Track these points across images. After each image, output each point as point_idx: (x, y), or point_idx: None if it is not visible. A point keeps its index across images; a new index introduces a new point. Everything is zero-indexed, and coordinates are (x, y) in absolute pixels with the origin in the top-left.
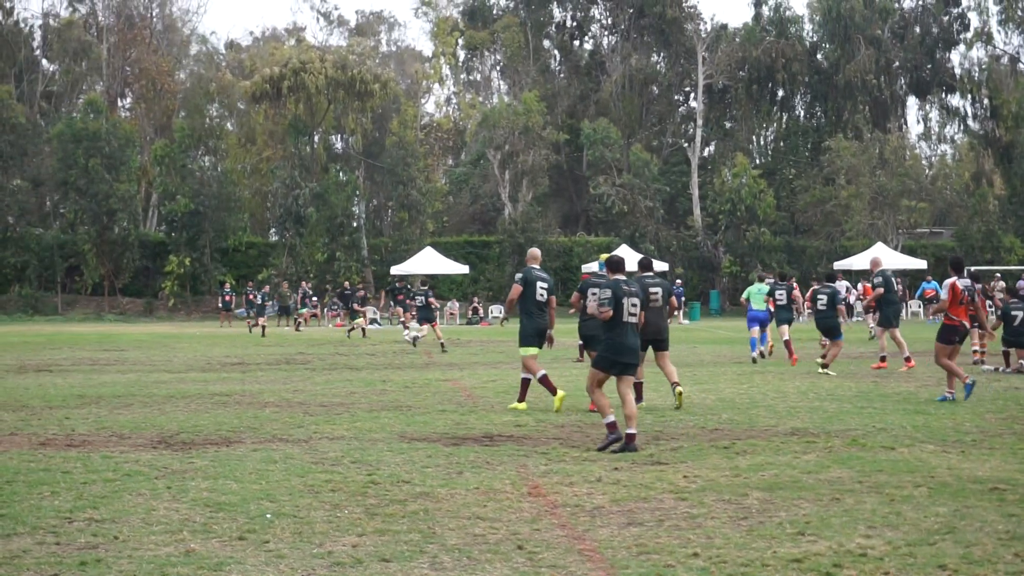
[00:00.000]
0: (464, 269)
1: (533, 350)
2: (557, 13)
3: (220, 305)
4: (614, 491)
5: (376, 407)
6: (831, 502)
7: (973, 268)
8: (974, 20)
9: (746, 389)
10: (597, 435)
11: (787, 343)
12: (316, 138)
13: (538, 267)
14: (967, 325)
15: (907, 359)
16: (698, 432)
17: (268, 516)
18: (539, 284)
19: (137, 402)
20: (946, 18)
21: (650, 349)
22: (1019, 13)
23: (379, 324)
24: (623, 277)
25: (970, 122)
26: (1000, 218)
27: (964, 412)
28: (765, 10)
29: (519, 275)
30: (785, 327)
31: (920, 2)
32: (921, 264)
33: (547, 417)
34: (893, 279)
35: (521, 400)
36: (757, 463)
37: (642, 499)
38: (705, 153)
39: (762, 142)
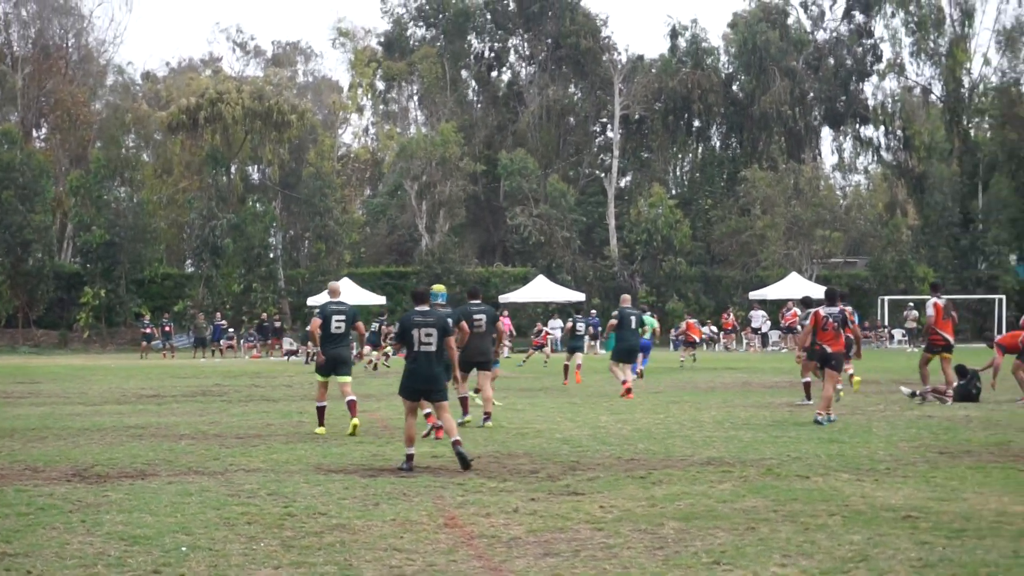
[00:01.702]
0: (381, 300)
1: (322, 377)
2: (475, 44)
3: (142, 337)
4: (530, 522)
5: (293, 439)
6: (746, 531)
7: (887, 297)
8: (887, 51)
9: (662, 419)
10: (514, 466)
11: (566, 368)
12: (233, 169)
13: (336, 300)
14: (828, 350)
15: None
16: (614, 462)
17: (183, 549)
18: (334, 317)
19: (51, 435)
20: (859, 50)
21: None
22: (931, 45)
23: (296, 356)
24: (425, 308)
25: (883, 153)
26: (913, 248)
27: (877, 441)
28: (681, 41)
29: (317, 310)
30: (579, 354)
31: (834, 34)
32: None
33: (464, 448)
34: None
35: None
36: (673, 493)
37: (558, 529)
38: (622, 183)
39: (678, 172)
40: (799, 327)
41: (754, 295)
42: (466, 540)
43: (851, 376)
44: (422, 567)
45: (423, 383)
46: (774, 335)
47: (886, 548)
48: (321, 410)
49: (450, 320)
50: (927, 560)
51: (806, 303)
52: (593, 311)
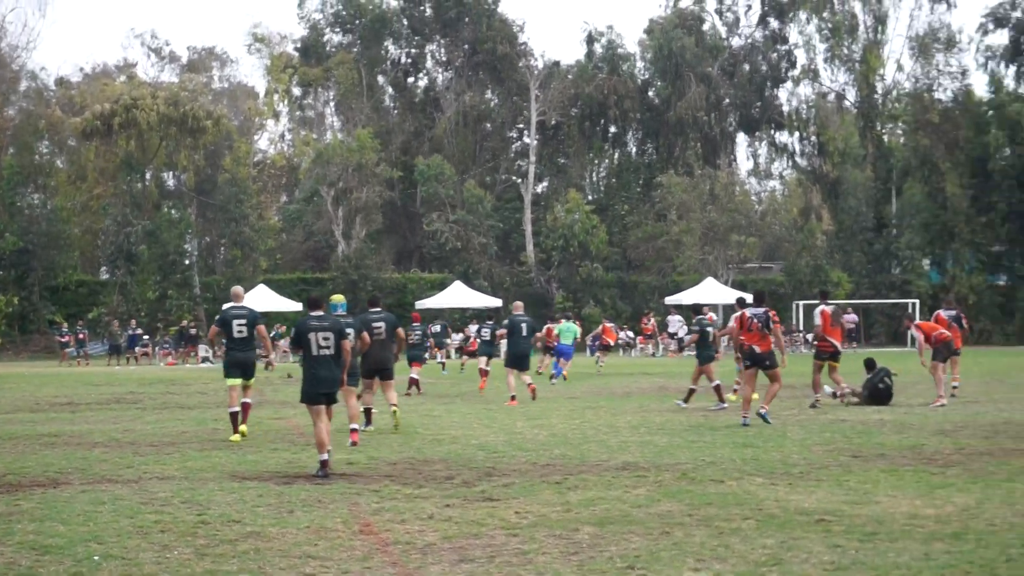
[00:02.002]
0: (297, 307)
1: (232, 381)
2: (392, 50)
3: (59, 345)
4: (446, 528)
5: (207, 446)
6: (661, 536)
7: (802, 302)
8: (801, 58)
9: (578, 424)
10: (430, 472)
11: (482, 371)
12: (148, 175)
13: (238, 305)
14: (756, 350)
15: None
16: (530, 468)
17: (96, 558)
18: (235, 322)
19: None
20: (774, 56)
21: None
22: (844, 51)
23: (212, 362)
24: (320, 313)
25: (798, 158)
26: (827, 253)
27: (792, 444)
28: (597, 47)
29: (218, 316)
30: (484, 359)
31: (749, 40)
32: (750, 299)
33: (379, 455)
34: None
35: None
36: (588, 498)
37: (473, 536)
38: (538, 189)
39: (595, 178)
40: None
41: (670, 300)
42: (381, 547)
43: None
44: (336, 574)
45: (324, 386)
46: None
47: (799, 551)
48: (234, 416)
49: (350, 327)
50: (839, 563)
51: (741, 303)
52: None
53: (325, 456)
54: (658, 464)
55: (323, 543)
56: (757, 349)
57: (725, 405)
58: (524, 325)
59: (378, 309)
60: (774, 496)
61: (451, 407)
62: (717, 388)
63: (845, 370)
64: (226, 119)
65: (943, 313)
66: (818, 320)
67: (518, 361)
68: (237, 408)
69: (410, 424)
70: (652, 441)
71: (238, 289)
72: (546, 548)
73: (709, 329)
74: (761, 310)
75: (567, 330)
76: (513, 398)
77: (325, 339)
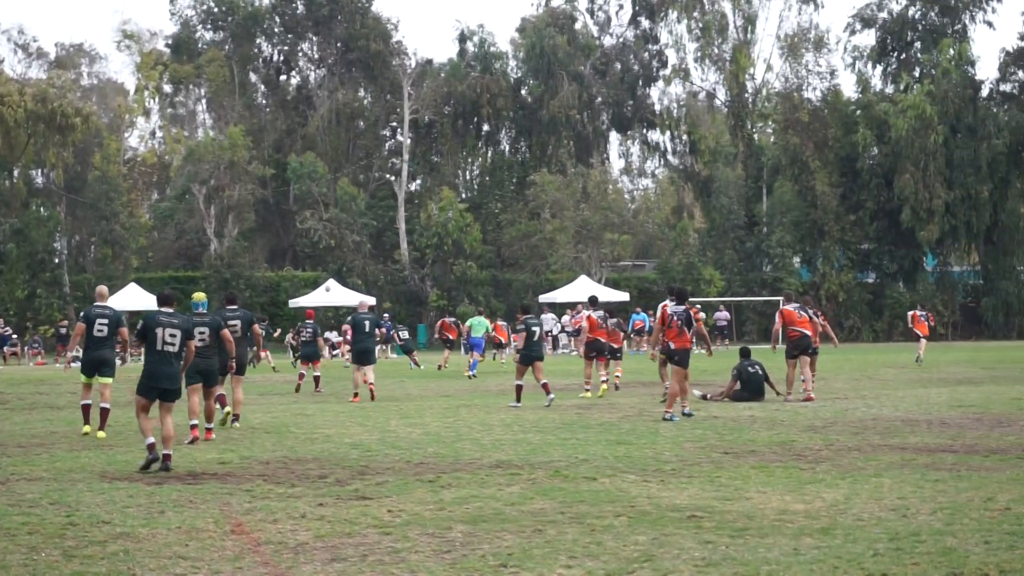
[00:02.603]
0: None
1: (86, 379)
2: (264, 47)
3: None
4: (318, 527)
5: (77, 447)
6: (533, 533)
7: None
8: (672, 57)
9: (452, 422)
10: (302, 471)
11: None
12: (15, 172)
13: (100, 304)
14: (672, 346)
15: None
16: (403, 466)
17: None
18: (97, 321)
19: None
20: (646, 55)
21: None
22: (715, 51)
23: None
24: (169, 310)
25: (670, 157)
26: (700, 250)
27: (664, 442)
28: (470, 46)
29: (82, 313)
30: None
31: (621, 39)
32: (624, 296)
33: (251, 454)
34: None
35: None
36: (461, 496)
37: (346, 535)
38: (412, 187)
39: (468, 176)
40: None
41: (544, 298)
42: (253, 547)
43: (602, 382)
44: (208, 575)
45: (164, 382)
46: (563, 338)
47: (671, 548)
48: (86, 408)
49: (201, 327)
50: (710, 559)
51: (592, 302)
52: (386, 315)
53: (150, 440)
54: (531, 462)
55: (194, 543)
56: (673, 345)
57: (519, 404)
58: (367, 322)
59: (234, 307)
60: (646, 493)
61: (324, 406)
62: (518, 389)
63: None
64: (95, 116)
65: (788, 306)
66: (584, 324)
67: (362, 357)
68: (89, 401)
69: (282, 423)
70: (525, 439)
71: (102, 288)
72: (419, 546)
73: (535, 329)
74: (682, 308)
75: (479, 324)
76: (357, 386)
77: (172, 335)
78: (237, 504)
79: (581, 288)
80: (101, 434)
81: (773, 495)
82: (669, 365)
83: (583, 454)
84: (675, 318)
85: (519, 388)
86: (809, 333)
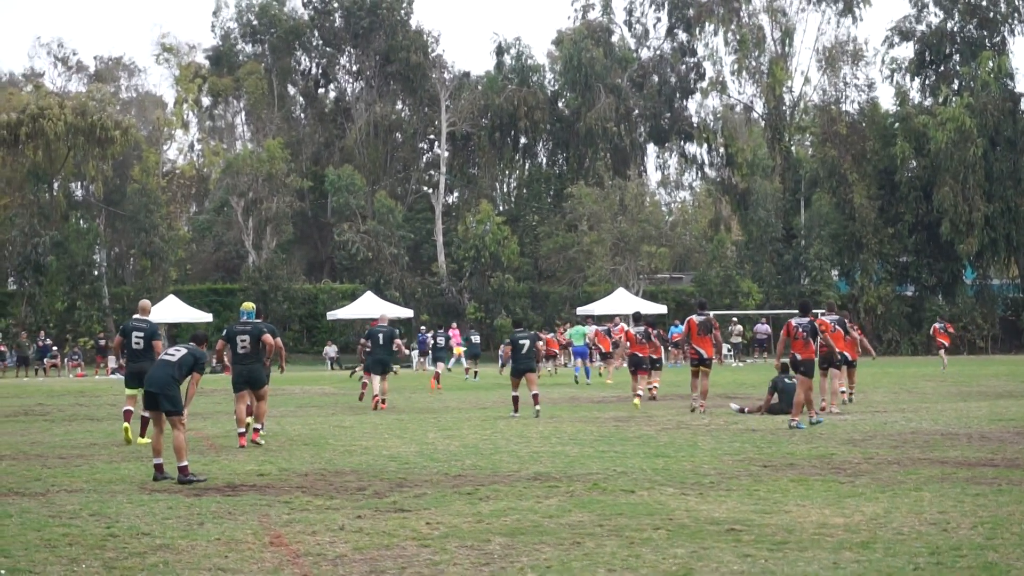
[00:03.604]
0: (208, 317)
1: (130, 391)
2: (303, 60)
3: None
4: (357, 539)
5: (116, 458)
6: (572, 546)
7: (712, 313)
8: (709, 70)
9: (489, 435)
10: (341, 484)
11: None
12: (56, 185)
13: (138, 318)
14: (798, 357)
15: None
16: (442, 478)
17: (2, 572)
18: (134, 334)
19: None
20: (683, 67)
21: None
22: (752, 63)
23: (121, 374)
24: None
25: (707, 169)
26: (737, 263)
27: (703, 455)
28: (507, 59)
29: (121, 327)
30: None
31: (658, 52)
32: (662, 309)
33: (290, 466)
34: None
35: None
36: (500, 508)
37: (384, 547)
38: (449, 200)
39: (505, 189)
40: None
41: (582, 311)
42: (292, 558)
43: (638, 395)
44: None
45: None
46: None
47: (710, 561)
48: (127, 414)
49: (243, 335)
50: (749, 572)
51: (635, 318)
52: (423, 327)
53: (159, 461)
54: (569, 474)
55: (233, 555)
56: (799, 356)
57: (516, 415)
58: (381, 335)
59: (243, 321)
60: (685, 506)
61: (362, 417)
62: (515, 400)
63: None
64: (134, 129)
65: (825, 319)
66: (683, 328)
67: (377, 366)
68: (131, 408)
69: (321, 435)
70: (563, 451)
71: (144, 302)
72: (457, 559)
73: (523, 342)
74: (806, 320)
75: (577, 333)
76: (372, 396)
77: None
78: (276, 516)
79: (619, 300)
80: (143, 440)
81: (812, 508)
82: (796, 375)
83: (621, 466)
84: (800, 329)
85: (516, 399)
86: (835, 346)
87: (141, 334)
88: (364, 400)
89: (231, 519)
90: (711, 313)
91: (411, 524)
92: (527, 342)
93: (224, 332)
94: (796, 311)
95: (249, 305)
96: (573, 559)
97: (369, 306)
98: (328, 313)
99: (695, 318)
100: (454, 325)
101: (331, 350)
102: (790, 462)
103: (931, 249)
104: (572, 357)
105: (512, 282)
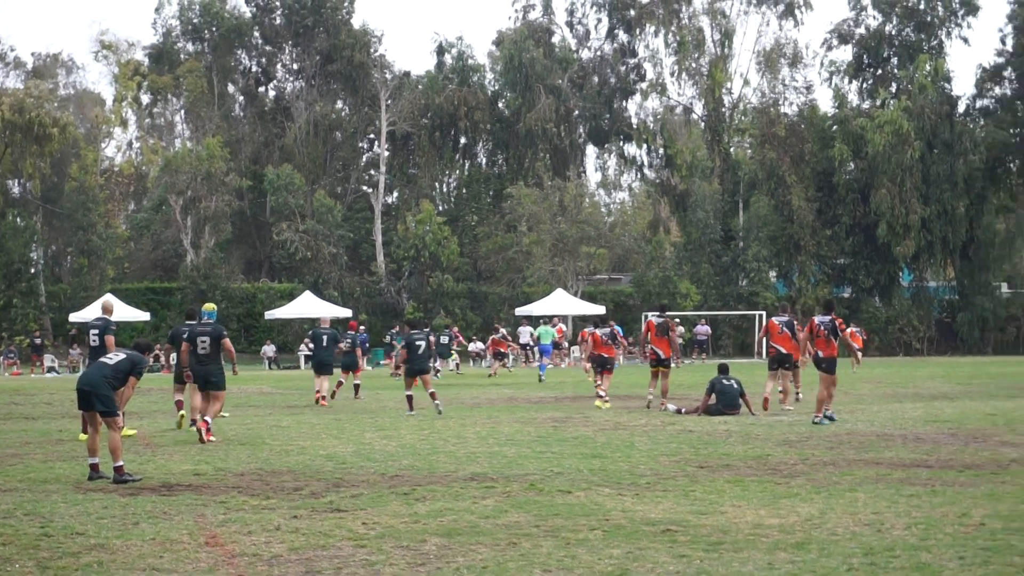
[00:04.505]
0: (145, 316)
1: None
2: (244, 59)
3: None
4: (292, 539)
5: (51, 457)
6: (508, 547)
7: (651, 314)
8: (649, 71)
9: (427, 435)
10: (277, 484)
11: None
12: None
13: (101, 316)
14: (820, 354)
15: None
16: (378, 479)
17: None
18: (91, 331)
19: None
20: (623, 69)
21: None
22: (692, 65)
23: (58, 372)
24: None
25: (646, 170)
26: (676, 264)
27: (639, 455)
28: (448, 58)
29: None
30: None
31: (598, 53)
32: (600, 309)
33: (226, 466)
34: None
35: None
36: (436, 509)
37: (320, 547)
38: (389, 200)
39: (445, 189)
40: (569, 343)
41: (520, 311)
42: (227, 559)
43: (600, 395)
44: None
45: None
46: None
47: (645, 561)
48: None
49: (203, 336)
50: (685, 573)
51: (602, 320)
52: (362, 327)
53: (95, 460)
54: (506, 475)
55: (168, 555)
56: (821, 354)
57: (412, 412)
58: (325, 337)
59: (201, 321)
60: (621, 506)
61: (299, 417)
62: (409, 399)
63: (689, 381)
64: (73, 126)
65: (775, 320)
66: (643, 329)
67: (320, 368)
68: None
69: (258, 435)
70: (500, 452)
71: (107, 300)
72: (393, 559)
73: (419, 343)
74: (827, 318)
75: (545, 332)
76: (323, 398)
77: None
78: (211, 516)
79: (557, 301)
80: (83, 437)
81: (748, 509)
82: (819, 372)
83: (558, 467)
84: (822, 327)
85: (410, 398)
86: (783, 349)
87: (96, 332)
88: (363, 400)
89: (166, 519)
90: (671, 315)
91: (347, 524)
92: (423, 343)
93: (185, 332)
94: (736, 312)
95: (211, 306)
96: (509, 560)
97: (307, 306)
98: (266, 312)
99: (654, 319)
100: (454, 327)
101: (269, 349)
102: (726, 463)
103: (868, 251)
104: (540, 355)
105: (451, 282)
